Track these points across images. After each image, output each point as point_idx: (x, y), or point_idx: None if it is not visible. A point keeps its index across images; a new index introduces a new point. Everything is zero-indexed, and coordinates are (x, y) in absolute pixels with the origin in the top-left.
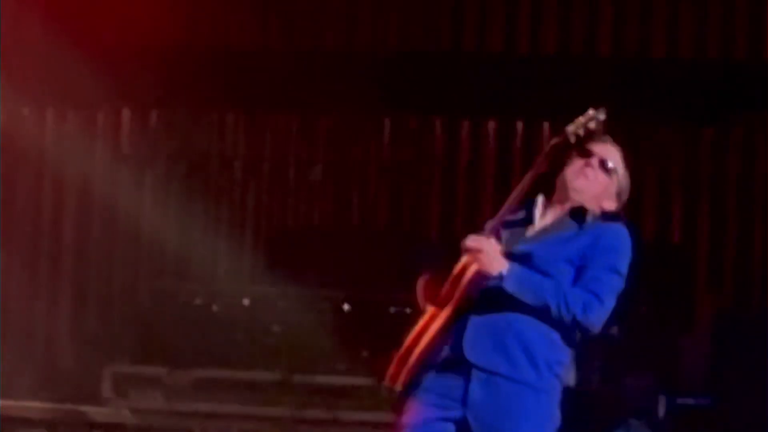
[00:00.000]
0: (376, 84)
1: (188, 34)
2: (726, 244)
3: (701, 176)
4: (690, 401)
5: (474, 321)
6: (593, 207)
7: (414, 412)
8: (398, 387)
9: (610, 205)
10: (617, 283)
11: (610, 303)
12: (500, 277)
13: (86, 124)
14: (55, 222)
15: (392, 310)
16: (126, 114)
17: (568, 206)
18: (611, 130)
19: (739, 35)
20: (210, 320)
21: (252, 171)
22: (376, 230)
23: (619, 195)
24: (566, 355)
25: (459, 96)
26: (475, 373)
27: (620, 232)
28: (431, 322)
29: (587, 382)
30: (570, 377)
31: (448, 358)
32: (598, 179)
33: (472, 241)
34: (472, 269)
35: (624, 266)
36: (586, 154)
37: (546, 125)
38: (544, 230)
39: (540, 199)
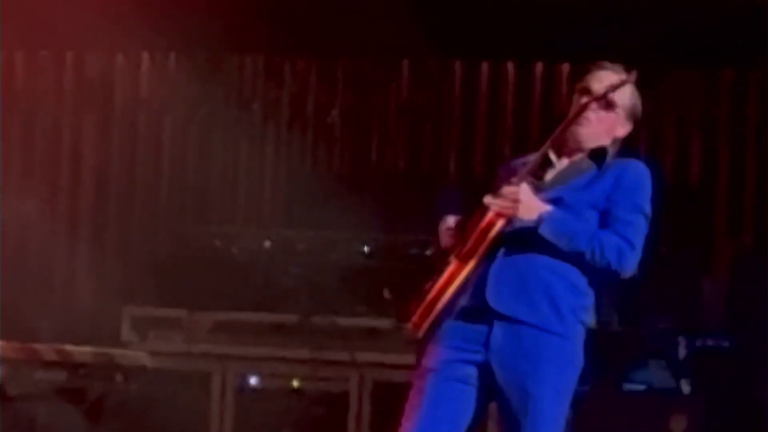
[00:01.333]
0: (394, 26)
1: None
2: (745, 186)
3: (720, 118)
4: (709, 343)
5: (497, 267)
6: (606, 142)
7: (436, 354)
8: (420, 334)
9: (623, 131)
10: (645, 225)
11: (641, 247)
12: (539, 221)
13: (105, 67)
14: (73, 167)
15: (412, 251)
16: (145, 57)
17: (581, 150)
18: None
19: None
20: (229, 263)
21: (270, 114)
22: (395, 172)
23: (631, 116)
24: (590, 299)
25: (478, 38)
26: (497, 320)
27: (641, 170)
28: (455, 274)
29: (606, 324)
30: (591, 319)
31: (471, 305)
32: (601, 119)
33: (509, 190)
34: (500, 223)
35: (648, 206)
36: (586, 93)
37: (565, 67)
38: (564, 173)
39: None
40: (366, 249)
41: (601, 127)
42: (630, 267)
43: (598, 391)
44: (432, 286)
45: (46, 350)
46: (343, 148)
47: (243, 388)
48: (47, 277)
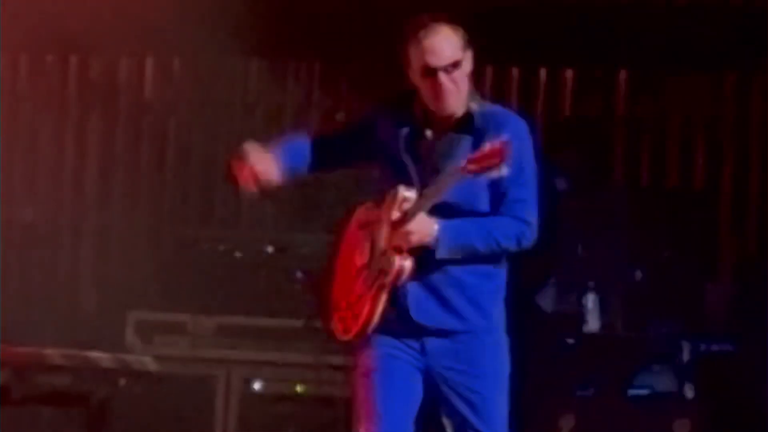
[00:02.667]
0: (400, 31)
1: None
2: (749, 190)
3: (724, 122)
4: (713, 347)
5: (413, 284)
6: (466, 99)
7: (377, 356)
8: (351, 338)
9: (469, 67)
10: (534, 190)
11: (536, 217)
12: (434, 243)
13: (109, 71)
14: (77, 169)
15: None
16: (149, 62)
17: (449, 118)
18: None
19: None
20: (233, 267)
21: (274, 118)
22: None
23: (466, 46)
24: (502, 276)
25: (485, 42)
26: (427, 334)
27: (519, 128)
28: (377, 302)
29: (610, 327)
30: (594, 323)
31: (398, 324)
32: (458, 82)
33: (415, 234)
34: (408, 266)
35: (533, 164)
36: (431, 73)
37: (569, 72)
38: (440, 153)
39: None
40: None
41: (462, 89)
42: (529, 242)
43: (601, 395)
44: (350, 313)
45: (51, 354)
46: None
47: (247, 392)
48: (51, 281)
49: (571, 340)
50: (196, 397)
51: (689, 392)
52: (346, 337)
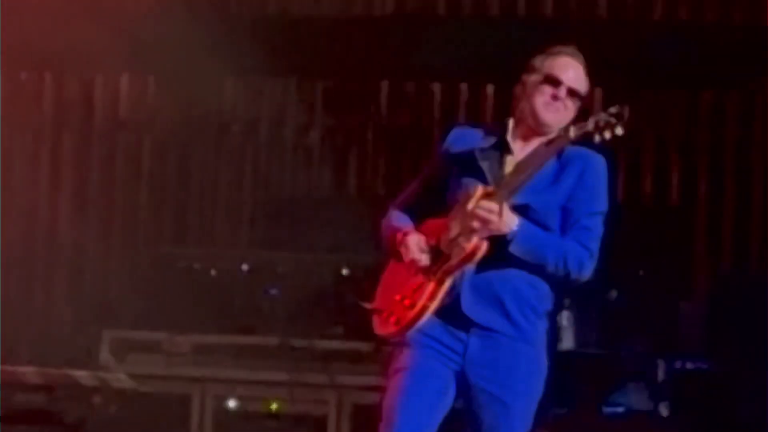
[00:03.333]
0: (373, 47)
1: (185, 1)
2: (724, 208)
3: (699, 140)
4: (688, 365)
5: (469, 279)
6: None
7: (412, 356)
8: (401, 328)
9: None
10: (602, 226)
11: (598, 250)
12: (511, 236)
13: (84, 89)
14: (53, 187)
15: None
16: (124, 80)
17: (540, 135)
18: (611, 94)
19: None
20: (209, 285)
21: (250, 135)
22: (374, 194)
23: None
24: (551, 303)
25: (457, 60)
26: (474, 330)
27: (601, 167)
28: (435, 294)
29: (585, 345)
30: (569, 341)
31: (447, 317)
32: (568, 108)
33: (490, 208)
34: (485, 246)
35: (607, 203)
36: (555, 83)
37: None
38: (525, 164)
39: (511, 124)
40: (345, 271)
41: (567, 117)
42: (588, 274)
43: (577, 413)
44: (408, 302)
45: (26, 372)
46: (322, 170)
47: (222, 411)
48: (26, 300)
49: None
50: (171, 415)
51: (664, 410)
52: (395, 329)
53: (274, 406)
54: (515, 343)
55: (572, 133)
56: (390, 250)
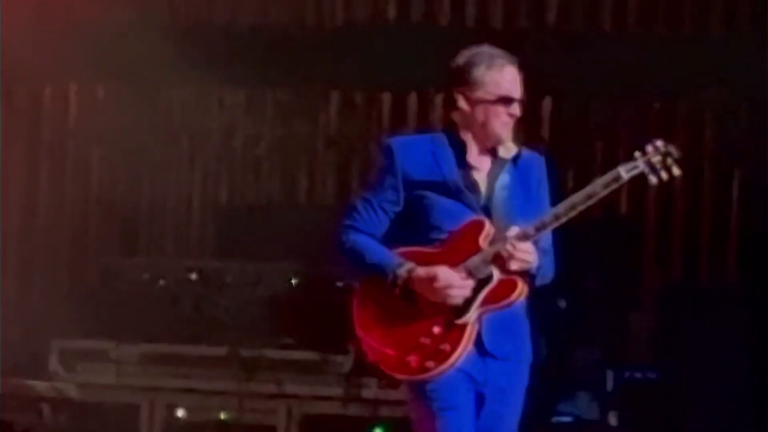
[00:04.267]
0: (323, 58)
1: (134, 10)
2: (673, 218)
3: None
4: (637, 375)
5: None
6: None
7: (457, 393)
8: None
9: None
10: None
11: None
12: (533, 273)
13: (33, 99)
14: (1, 196)
15: (339, 284)
16: (73, 88)
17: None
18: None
19: (686, 10)
20: (157, 295)
21: (199, 145)
22: (323, 204)
23: None
24: None
25: (406, 70)
26: (494, 361)
27: (544, 166)
28: (471, 335)
29: (534, 356)
30: None
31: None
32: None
33: (525, 249)
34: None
35: None
36: (508, 102)
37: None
38: (491, 179)
39: (467, 139)
40: (294, 281)
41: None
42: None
43: (526, 423)
44: (443, 346)
45: None
46: (272, 180)
47: (171, 420)
48: None
49: None
50: (120, 424)
51: (613, 420)
52: (428, 373)
53: (223, 416)
54: (524, 366)
55: (625, 175)
56: (366, 277)
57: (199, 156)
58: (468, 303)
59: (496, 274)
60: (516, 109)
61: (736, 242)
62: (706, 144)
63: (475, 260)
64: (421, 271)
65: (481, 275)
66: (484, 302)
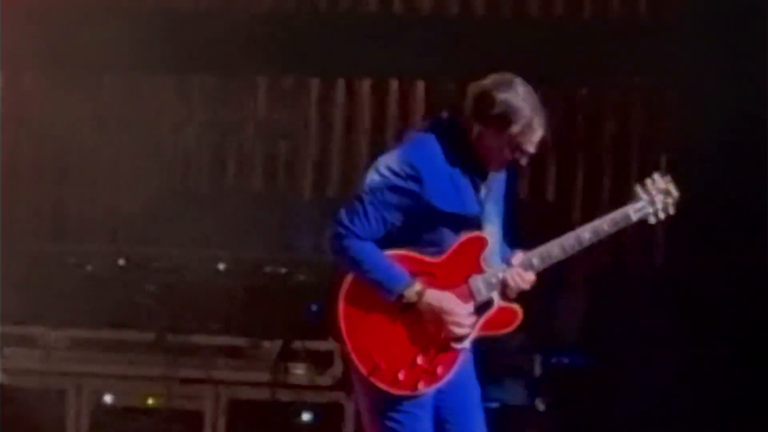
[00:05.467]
0: (250, 44)
1: None
2: (600, 204)
3: (576, 136)
4: (564, 360)
5: None
6: None
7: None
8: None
9: None
10: None
11: None
12: None
13: None
14: None
15: (267, 269)
16: (1, 74)
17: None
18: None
19: None
20: (85, 280)
21: (127, 132)
22: (251, 190)
23: None
24: None
25: (333, 56)
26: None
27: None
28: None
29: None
30: None
31: None
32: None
33: (526, 279)
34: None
35: None
36: (522, 153)
37: (420, 85)
38: (489, 197)
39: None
40: (222, 267)
41: None
42: None
43: None
44: (432, 369)
45: None
46: (200, 166)
47: (98, 405)
48: None
49: None
50: (47, 410)
51: (540, 405)
52: (418, 391)
53: (150, 402)
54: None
55: (634, 218)
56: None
57: (126, 142)
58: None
59: (497, 300)
60: (525, 161)
61: (663, 225)
62: (632, 130)
63: (478, 282)
64: (431, 297)
65: (482, 298)
66: (483, 328)
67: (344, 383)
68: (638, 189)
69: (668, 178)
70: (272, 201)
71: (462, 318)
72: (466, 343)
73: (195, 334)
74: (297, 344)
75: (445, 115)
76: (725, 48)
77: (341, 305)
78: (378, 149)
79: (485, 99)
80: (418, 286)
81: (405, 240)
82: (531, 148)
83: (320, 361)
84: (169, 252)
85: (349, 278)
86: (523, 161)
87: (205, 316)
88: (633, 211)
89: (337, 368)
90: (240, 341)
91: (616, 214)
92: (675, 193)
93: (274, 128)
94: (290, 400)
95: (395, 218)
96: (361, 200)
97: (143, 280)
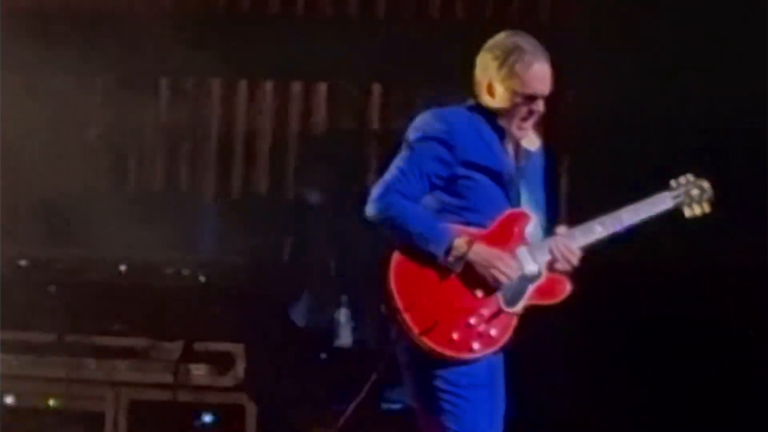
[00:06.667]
0: (152, 45)
1: None
2: None
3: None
4: None
5: None
6: None
7: (490, 372)
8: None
9: None
10: None
11: None
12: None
13: None
14: None
15: (168, 270)
16: None
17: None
18: (389, 89)
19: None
20: None
21: (28, 132)
22: (152, 191)
23: None
24: None
25: (235, 57)
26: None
27: (546, 157)
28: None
29: (363, 341)
30: (346, 337)
31: None
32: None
33: (573, 252)
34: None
35: None
36: (533, 99)
37: (323, 86)
38: (526, 176)
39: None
40: (123, 268)
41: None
42: None
43: (355, 409)
44: (488, 332)
45: None
46: (101, 167)
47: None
48: None
49: (324, 355)
50: None
51: None
52: (476, 354)
53: (52, 402)
54: None
55: (671, 203)
56: (406, 247)
57: (27, 143)
58: (519, 293)
59: (544, 271)
60: (538, 105)
61: None
62: None
63: (524, 253)
64: (481, 249)
65: (530, 269)
66: (533, 297)
67: (246, 385)
68: (672, 182)
69: (704, 179)
70: (174, 202)
71: (511, 264)
72: (519, 308)
73: (96, 336)
74: (199, 345)
75: (469, 101)
76: (622, 51)
77: (393, 267)
78: (280, 151)
79: (488, 51)
80: (465, 238)
81: (451, 209)
82: (541, 86)
83: (222, 363)
84: (70, 253)
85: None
86: (539, 106)
87: (107, 318)
88: (671, 197)
89: (239, 369)
90: (141, 342)
91: (655, 198)
92: (710, 191)
93: (176, 129)
94: (191, 401)
95: (432, 171)
96: (396, 165)
97: (45, 281)
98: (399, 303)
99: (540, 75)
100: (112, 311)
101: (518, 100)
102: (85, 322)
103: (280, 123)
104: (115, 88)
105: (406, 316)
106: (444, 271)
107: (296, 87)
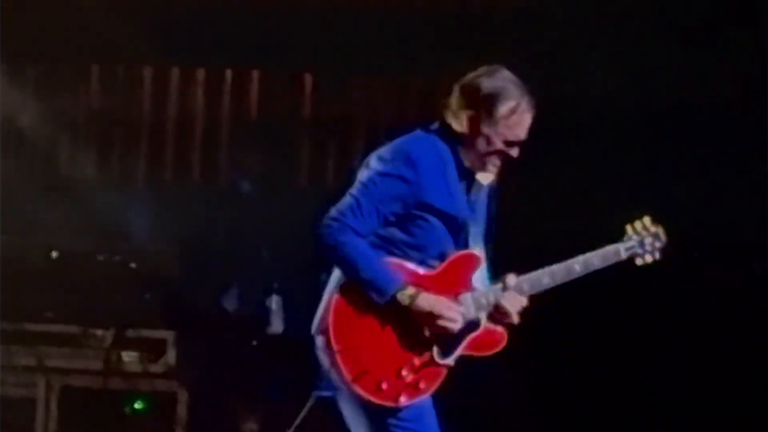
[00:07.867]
0: (83, 32)
1: None
2: None
3: (410, 125)
4: None
5: None
6: None
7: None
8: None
9: None
10: None
11: None
12: None
13: None
14: None
15: (100, 257)
16: None
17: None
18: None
19: None
20: None
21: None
22: (84, 178)
23: None
24: None
25: (168, 44)
26: None
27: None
28: None
29: (295, 329)
30: (278, 324)
31: None
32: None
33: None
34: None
35: None
36: (510, 145)
37: (255, 74)
38: (478, 209)
39: (462, 157)
40: (55, 255)
41: None
42: None
43: (287, 397)
44: (415, 382)
45: None
46: (33, 153)
47: None
48: None
49: (255, 342)
50: None
51: None
52: (399, 404)
53: None
54: None
55: (624, 255)
56: (350, 286)
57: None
58: (454, 345)
59: (483, 321)
60: (516, 152)
61: None
62: None
63: (468, 300)
64: (424, 301)
65: (469, 317)
66: (468, 347)
67: (177, 372)
68: (629, 228)
69: (658, 224)
70: (106, 189)
71: (455, 316)
72: (451, 360)
73: (28, 322)
74: (130, 332)
75: (435, 124)
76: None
77: (332, 308)
78: (211, 138)
79: (473, 84)
80: (411, 289)
81: (397, 243)
82: (521, 132)
83: (153, 350)
84: (1, 240)
85: (341, 281)
86: (514, 152)
87: (39, 304)
88: (624, 249)
89: (171, 356)
90: (73, 329)
91: (607, 250)
92: (663, 238)
93: (108, 116)
94: (123, 387)
95: (389, 210)
96: (352, 194)
97: None
98: (334, 345)
99: (521, 122)
100: (43, 298)
101: (497, 144)
102: (16, 308)
103: (213, 111)
104: (45, 76)
105: (339, 360)
106: (384, 316)
107: (228, 75)
